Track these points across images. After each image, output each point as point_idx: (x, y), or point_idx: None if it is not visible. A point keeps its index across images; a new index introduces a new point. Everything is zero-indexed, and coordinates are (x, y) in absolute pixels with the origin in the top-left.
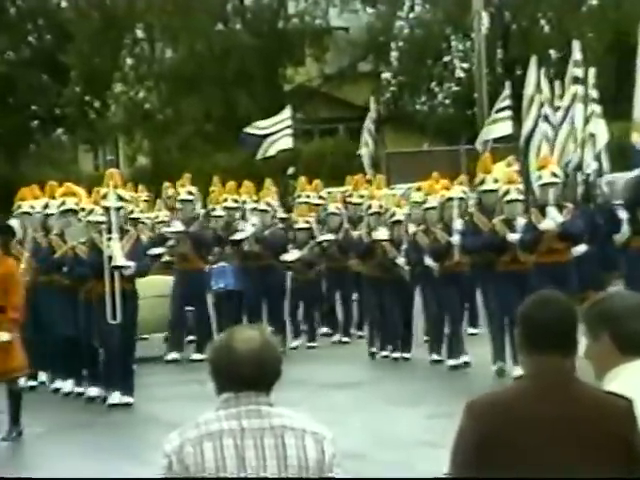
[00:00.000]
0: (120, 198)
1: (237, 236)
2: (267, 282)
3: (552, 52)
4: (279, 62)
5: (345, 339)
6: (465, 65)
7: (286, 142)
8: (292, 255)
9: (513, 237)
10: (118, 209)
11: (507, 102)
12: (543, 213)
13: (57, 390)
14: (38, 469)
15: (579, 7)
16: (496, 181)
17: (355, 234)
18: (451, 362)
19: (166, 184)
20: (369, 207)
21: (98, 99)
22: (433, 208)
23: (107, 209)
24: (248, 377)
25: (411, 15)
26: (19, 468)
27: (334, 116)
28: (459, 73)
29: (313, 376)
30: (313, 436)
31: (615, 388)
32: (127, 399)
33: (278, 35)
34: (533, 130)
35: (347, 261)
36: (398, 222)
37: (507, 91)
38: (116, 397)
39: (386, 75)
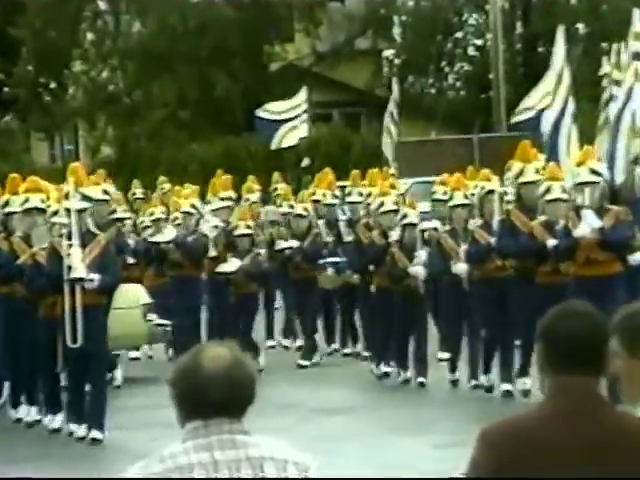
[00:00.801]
0: (85, 197)
1: (156, 238)
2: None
3: (580, 26)
4: (264, 38)
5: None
6: (479, 42)
7: (303, 131)
8: (231, 265)
9: (553, 243)
10: (81, 211)
11: None
12: (579, 217)
13: (19, 420)
14: None
15: None
16: (538, 172)
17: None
18: (506, 386)
19: (162, 178)
20: (381, 204)
21: (54, 80)
22: (463, 205)
23: (68, 211)
24: (219, 401)
25: None
26: None
27: (328, 100)
28: (472, 51)
29: (303, 400)
30: (296, 466)
31: None
32: (96, 434)
33: (263, 7)
34: (562, 114)
35: (314, 272)
36: (411, 225)
37: None
38: (82, 431)
39: (388, 53)
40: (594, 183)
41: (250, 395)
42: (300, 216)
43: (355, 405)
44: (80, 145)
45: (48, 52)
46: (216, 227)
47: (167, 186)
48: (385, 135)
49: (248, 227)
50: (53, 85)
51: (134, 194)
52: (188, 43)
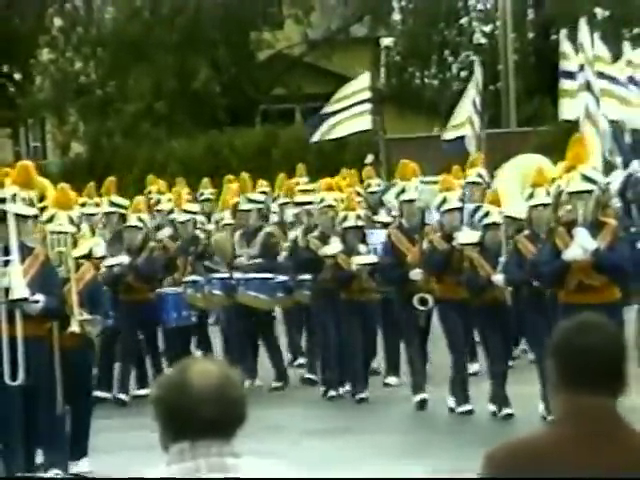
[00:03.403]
0: (30, 202)
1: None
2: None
3: (598, 10)
4: (251, 24)
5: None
6: (487, 28)
7: (363, 122)
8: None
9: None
10: (24, 217)
11: None
12: (571, 235)
13: None
14: None
15: None
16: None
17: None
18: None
19: (150, 176)
20: (443, 201)
21: (19, 70)
22: (545, 205)
23: (4, 217)
24: (208, 420)
25: None
26: None
27: (321, 92)
28: (479, 39)
29: (293, 421)
30: None
31: None
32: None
33: None
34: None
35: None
36: (495, 225)
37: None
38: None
39: (386, 42)
40: (588, 192)
41: (242, 414)
42: (135, 227)
43: (347, 428)
44: (48, 142)
45: (12, 39)
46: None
47: (154, 187)
48: (468, 127)
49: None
50: (18, 76)
51: (202, 194)
52: (163, 29)
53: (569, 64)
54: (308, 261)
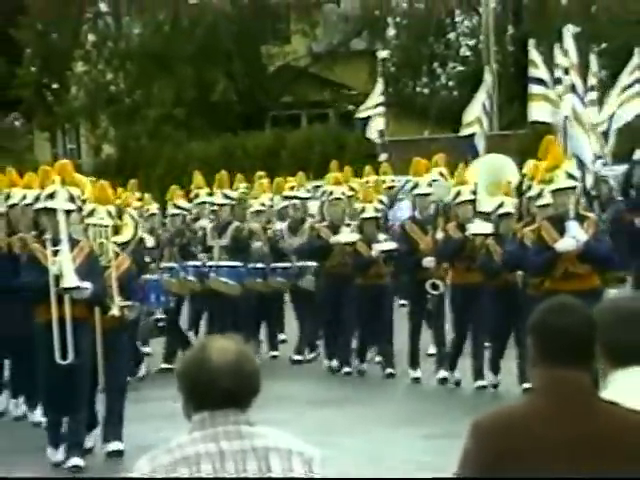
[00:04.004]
0: (73, 198)
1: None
2: None
3: (570, 26)
4: (262, 39)
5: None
6: (471, 42)
7: (377, 124)
8: None
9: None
10: (69, 212)
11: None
12: (556, 227)
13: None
14: None
15: None
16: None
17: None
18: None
19: (196, 172)
20: (458, 194)
21: (57, 80)
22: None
23: (53, 212)
24: (227, 392)
25: None
26: None
27: (324, 100)
28: (465, 51)
29: (297, 393)
30: (300, 457)
31: (607, 395)
32: (77, 461)
33: (260, 8)
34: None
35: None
36: (507, 215)
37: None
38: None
39: (382, 54)
40: (572, 188)
41: (256, 387)
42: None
43: (349, 398)
44: (82, 144)
45: (51, 53)
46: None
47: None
48: (477, 126)
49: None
50: (56, 86)
51: (237, 188)
52: (182, 43)
53: (537, 71)
54: (319, 248)
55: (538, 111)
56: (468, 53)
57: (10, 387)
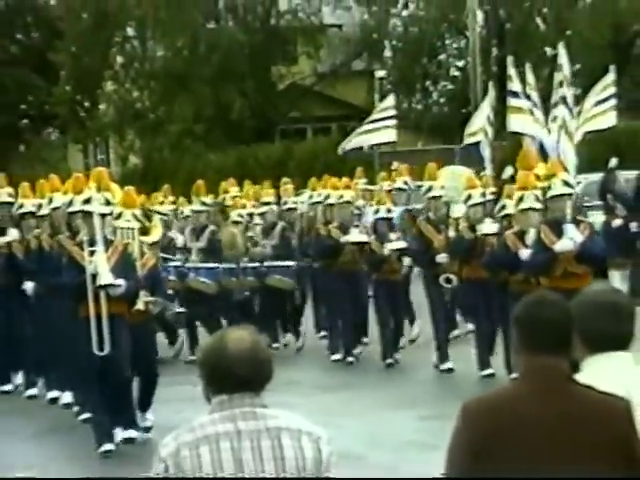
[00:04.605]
0: (108, 202)
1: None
2: None
3: (548, 50)
4: (272, 60)
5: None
6: (460, 63)
7: (388, 134)
8: None
9: (525, 254)
10: (104, 215)
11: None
12: (554, 230)
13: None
14: (29, 469)
15: (575, 3)
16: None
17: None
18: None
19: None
20: (469, 197)
21: (89, 98)
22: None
23: (90, 215)
24: (242, 378)
25: (405, 13)
26: (10, 467)
27: (327, 114)
28: (454, 71)
29: (304, 379)
30: (309, 436)
31: (583, 378)
32: (131, 433)
33: (270, 32)
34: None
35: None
36: (508, 216)
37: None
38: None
39: (380, 73)
40: (569, 195)
41: (269, 373)
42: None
43: (351, 383)
44: (111, 155)
45: (83, 74)
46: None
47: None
48: (481, 135)
49: None
50: (88, 103)
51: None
52: (201, 65)
53: (514, 85)
54: (330, 247)
55: (516, 122)
56: (457, 73)
57: (40, 371)
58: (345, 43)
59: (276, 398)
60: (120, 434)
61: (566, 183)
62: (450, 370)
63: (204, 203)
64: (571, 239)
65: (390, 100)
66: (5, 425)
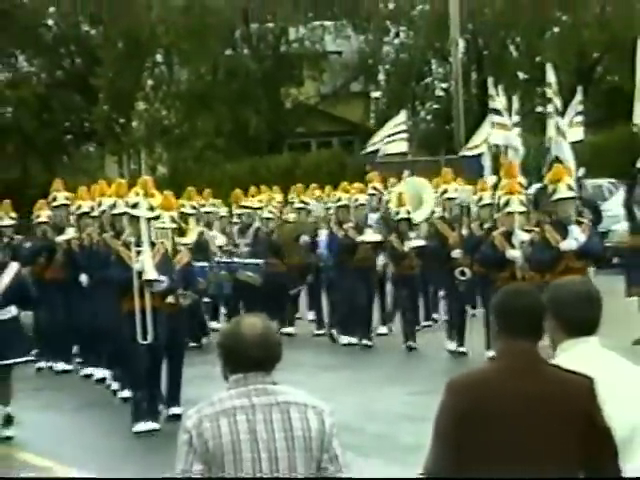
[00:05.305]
0: (152, 208)
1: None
2: None
3: (520, 74)
4: (281, 83)
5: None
6: (444, 85)
7: (400, 146)
8: None
9: (512, 254)
10: (149, 219)
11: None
12: (558, 230)
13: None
14: (67, 440)
15: (543, 33)
16: (571, 188)
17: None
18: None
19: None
20: (480, 199)
21: (123, 116)
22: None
23: (137, 219)
24: (255, 359)
25: (396, 41)
26: (53, 439)
27: (329, 130)
28: (439, 92)
29: (309, 359)
30: (314, 409)
31: (562, 360)
32: (153, 425)
33: (280, 59)
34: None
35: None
36: (511, 214)
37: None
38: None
39: (375, 94)
40: (572, 198)
41: (278, 355)
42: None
43: (349, 364)
44: (142, 165)
45: (118, 95)
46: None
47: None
48: (484, 146)
49: None
50: (122, 120)
51: (292, 200)
52: (223, 88)
53: (496, 104)
54: (347, 246)
55: (496, 136)
56: (441, 94)
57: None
58: (344, 68)
59: (285, 376)
60: (165, 411)
61: (570, 187)
62: (463, 353)
63: (194, 207)
64: (576, 239)
65: (402, 116)
66: (50, 399)
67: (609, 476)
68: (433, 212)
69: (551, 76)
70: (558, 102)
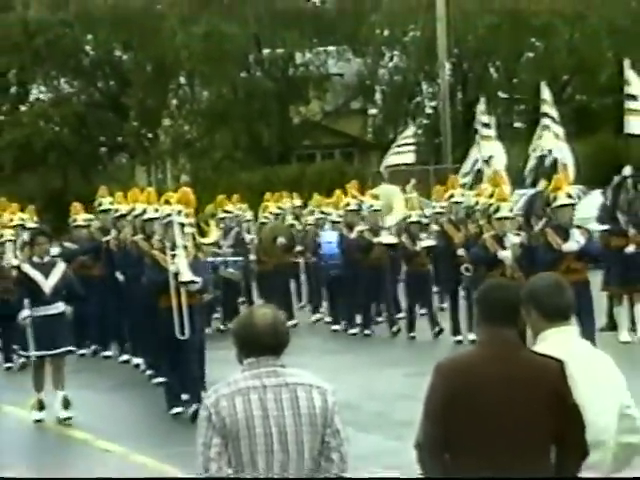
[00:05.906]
0: (186, 215)
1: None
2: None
3: (500, 93)
4: (290, 101)
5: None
6: (433, 104)
7: (408, 157)
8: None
9: (503, 255)
10: (183, 226)
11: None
12: (559, 234)
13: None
14: (106, 416)
15: (520, 57)
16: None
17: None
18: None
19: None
20: (497, 209)
21: (151, 131)
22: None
23: (172, 224)
24: (267, 345)
25: (391, 64)
26: (94, 414)
27: (332, 143)
28: (428, 110)
29: (314, 344)
30: (318, 389)
31: (542, 347)
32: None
33: (289, 80)
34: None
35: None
36: (505, 218)
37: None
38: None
39: (372, 111)
40: (571, 205)
41: (287, 341)
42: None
43: (350, 348)
44: (168, 174)
45: (147, 113)
46: None
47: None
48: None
49: None
50: (150, 135)
51: (311, 206)
52: (239, 106)
53: (484, 118)
54: (364, 246)
55: (485, 147)
56: (430, 111)
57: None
58: (345, 88)
59: (292, 360)
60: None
61: (569, 195)
62: (459, 342)
63: (227, 211)
64: (577, 242)
65: (410, 130)
66: (86, 380)
67: (575, 448)
68: (405, 218)
69: (546, 93)
70: (554, 114)
